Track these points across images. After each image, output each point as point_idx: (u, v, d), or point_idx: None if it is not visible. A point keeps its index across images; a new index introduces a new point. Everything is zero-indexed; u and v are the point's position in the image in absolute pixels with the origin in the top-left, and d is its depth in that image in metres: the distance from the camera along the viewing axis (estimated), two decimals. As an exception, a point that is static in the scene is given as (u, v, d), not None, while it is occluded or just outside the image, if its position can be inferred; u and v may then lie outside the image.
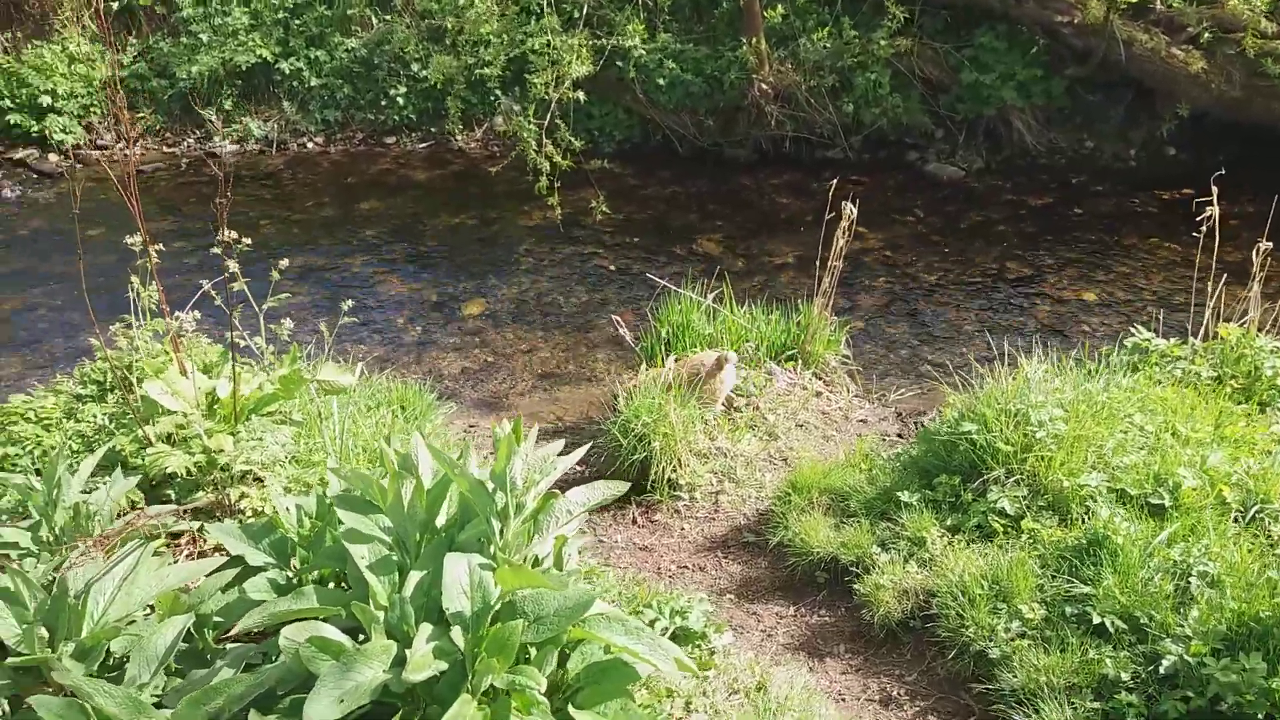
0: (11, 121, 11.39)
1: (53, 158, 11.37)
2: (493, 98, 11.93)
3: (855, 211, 6.27)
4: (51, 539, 3.35)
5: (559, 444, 3.06)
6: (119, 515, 3.82)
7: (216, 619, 3.23)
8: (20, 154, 11.30)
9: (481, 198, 10.49)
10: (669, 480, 5.41)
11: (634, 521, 5.33)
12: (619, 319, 6.75)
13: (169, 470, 3.81)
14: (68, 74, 11.61)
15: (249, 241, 4.71)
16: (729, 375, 6.06)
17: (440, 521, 2.94)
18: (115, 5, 11.96)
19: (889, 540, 4.35)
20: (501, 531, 2.77)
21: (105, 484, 3.79)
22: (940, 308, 8.36)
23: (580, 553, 4.18)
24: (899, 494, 4.50)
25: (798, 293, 7.93)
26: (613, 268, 9.23)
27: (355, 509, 2.99)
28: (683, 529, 5.22)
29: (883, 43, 10.71)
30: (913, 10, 10.95)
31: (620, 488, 2.90)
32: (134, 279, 4.84)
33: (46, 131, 11.33)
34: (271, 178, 11.29)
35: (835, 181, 6.35)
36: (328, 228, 10.12)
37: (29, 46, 11.75)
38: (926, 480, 4.60)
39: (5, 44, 11.84)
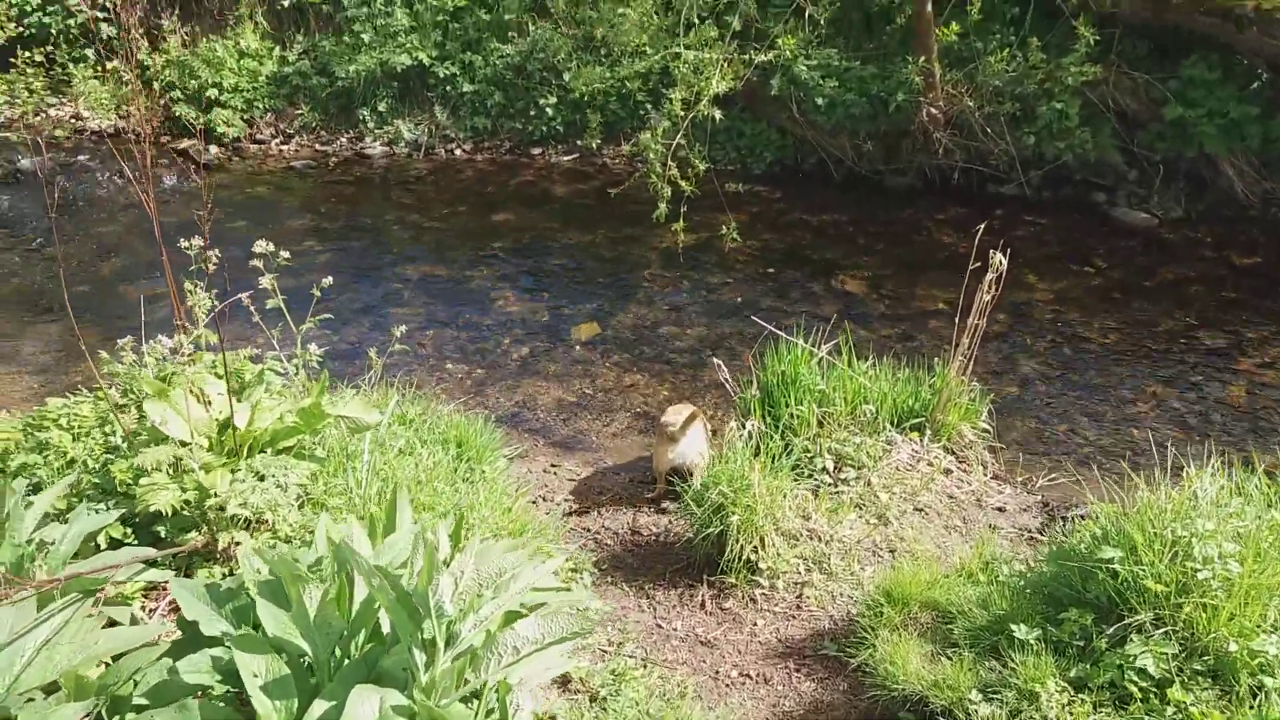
0: (179, 113, 11.78)
1: (214, 149, 11.68)
2: (642, 112, 11.42)
3: (1005, 263, 5.31)
4: (-10, 581, 2.97)
5: (524, 553, 2.40)
6: (94, 553, 3.45)
7: (140, 701, 2.76)
8: (185, 144, 11.67)
9: (616, 216, 9.97)
10: (748, 562, 4.65)
11: (702, 605, 4.60)
12: (721, 363, 6.03)
13: (154, 507, 3.39)
14: (236, 68, 11.92)
15: (288, 255, 4.30)
16: (691, 440, 5.27)
17: (368, 636, 2.34)
18: (287, 3, 12.20)
19: (994, 687, 3.45)
20: (426, 666, 2.13)
21: (83, 516, 3.42)
22: (1112, 377, 7.17)
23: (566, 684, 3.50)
24: (1014, 627, 3.58)
25: (943, 346, 6.96)
26: (740, 300, 8.49)
27: (280, 603, 2.43)
28: (755, 624, 4.45)
29: (1073, 69, 9.49)
30: (1111, 34, 9.68)
31: (585, 628, 2.21)
32: (188, 285, 4.49)
33: (211, 123, 11.65)
34: (415, 182, 11.19)
35: (984, 226, 5.40)
36: (459, 237, 9.85)
37: (204, 40, 12.15)
38: (1052, 611, 3.66)
39: (185, 37, 12.29)
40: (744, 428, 5.32)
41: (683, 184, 7.86)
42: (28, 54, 12.20)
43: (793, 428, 5.54)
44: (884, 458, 5.49)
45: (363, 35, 11.92)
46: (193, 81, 11.76)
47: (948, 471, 5.64)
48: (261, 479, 3.70)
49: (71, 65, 12.43)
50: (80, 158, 11.40)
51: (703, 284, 8.75)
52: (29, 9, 12.23)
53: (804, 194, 10.70)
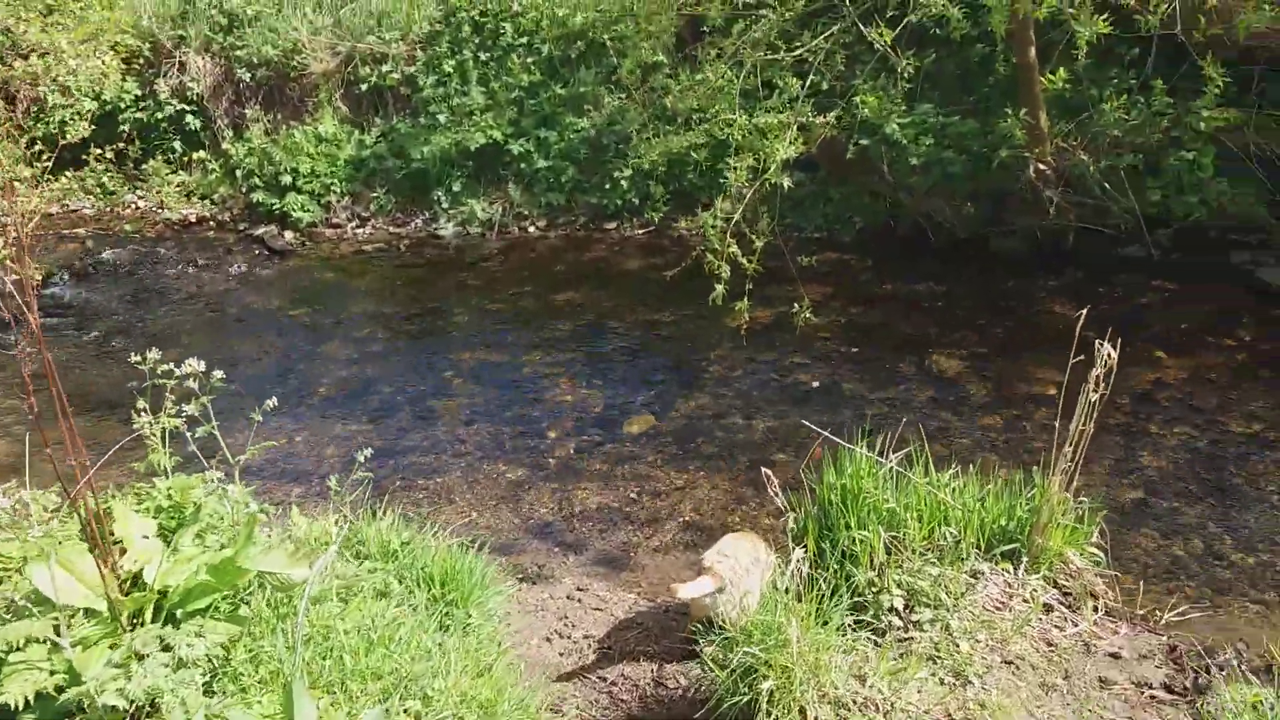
0: (256, 199, 11.77)
1: (288, 235, 11.58)
2: (722, 180, 10.71)
3: (1114, 356, 4.31)
4: None
5: None
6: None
7: None
8: (260, 230, 11.62)
9: (685, 293, 9.22)
10: (784, 740, 3.74)
11: (726, 794, 3.71)
12: (771, 475, 5.14)
13: (3, 700, 2.78)
14: (314, 154, 11.87)
15: (221, 375, 3.71)
16: (740, 579, 4.26)
17: None
18: (364, 86, 12.14)
19: None
20: None
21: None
22: (1260, 479, 5.93)
23: None
24: None
25: (1053, 441, 5.91)
26: (816, 384, 7.59)
27: None
28: (787, 825, 3.52)
29: (1205, 113, 8.30)
30: (1249, 73, 8.46)
31: None
32: (139, 404, 3.96)
33: (287, 209, 11.58)
34: (485, 262, 10.77)
35: (1084, 313, 4.41)
36: (520, 320, 9.30)
37: (284, 129, 12.18)
38: None
39: (268, 125, 12.36)
40: (789, 562, 4.43)
41: (745, 262, 7.08)
42: (98, 151, 12.48)
43: (854, 556, 4.60)
44: (967, 594, 4.48)
45: (438, 116, 11.70)
46: (269, 168, 11.74)
47: (1047, 609, 4.58)
48: (166, 648, 3.07)
49: (156, 158, 12.63)
50: (160, 249, 11.47)
51: (775, 367, 7.90)
52: (122, 105, 12.54)
53: (897, 262, 9.74)
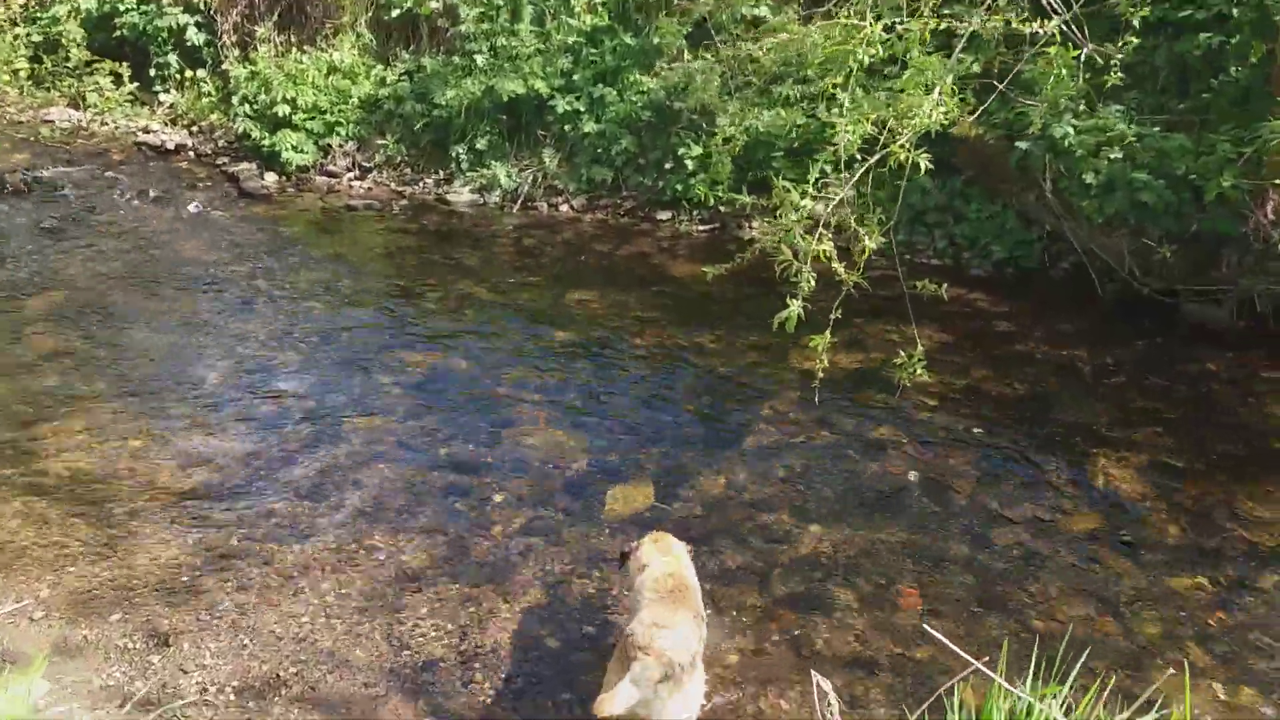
0: (244, 131, 9.56)
1: (269, 177, 9.30)
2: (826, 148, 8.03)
3: None
4: None
5: None
6: None
7: None
8: (240, 167, 9.37)
9: (747, 314, 6.62)
10: None
11: None
12: (822, 681, 2.51)
13: None
14: (322, 85, 9.59)
15: None
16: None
17: None
18: (396, 13, 9.83)
19: None
20: None
21: None
22: None
23: None
24: None
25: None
26: (912, 477, 4.89)
27: None
28: None
29: None
30: None
31: None
32: None
33: (275, 147, 9.31)
34: (494, 240, 8.29)
35: None
36: (513, 320, 6.79)
37: (293, 51, 9.96)
38: None
39: (279, 47, 10.15)
40: None
41: (839, 270, 4.42)
42: (103, 64, 10.50)
43: None
44: None
45: (476, 56, 9.29)
46: (265, 96, 9.51)
47: None
48: None
49: (154, 73, 10.60)
50: (117, 174, 9.29)
51: (855, 441, 5.20)
52: (121, 8, 10.49)
53: (1047, 314, 6.92)
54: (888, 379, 4.95)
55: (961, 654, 2.23)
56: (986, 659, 2.26)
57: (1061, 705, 2.16)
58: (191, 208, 8.60)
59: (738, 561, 4.27)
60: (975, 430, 5.36)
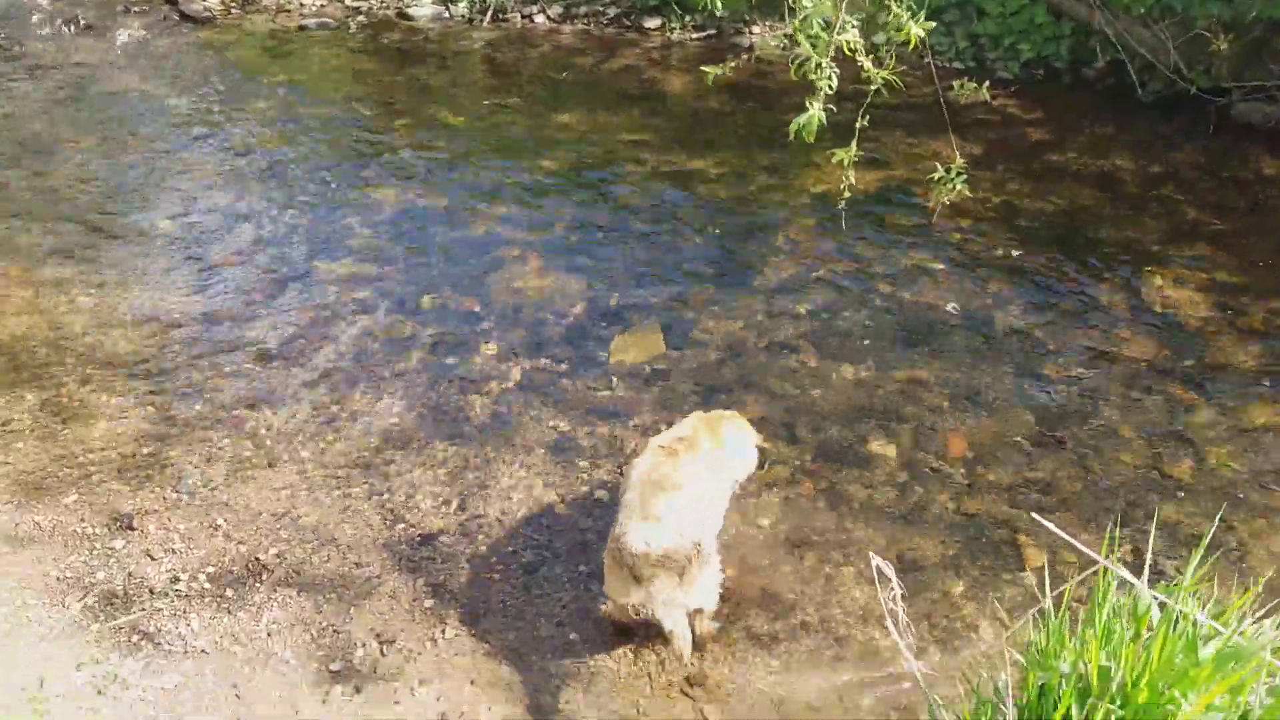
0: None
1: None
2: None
3: None
4: None
5: None
6: None
7: None
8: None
9: (753, 129, 5.95)
10: None
11: None
12: (885, 566, 2.04)
13: None
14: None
15: None
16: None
17: None
18: None
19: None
20: None
21: None
22: None
23: None
24: None
25: None
26: (951, 308, 4.39)
27: None
28: None
29: None
30: None
31: None
32: None
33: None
34: (462, 59, 7.46)
35: None
36: (490, 147, 6.11)
37: None
38: None
39: None
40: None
41: (868, 67, 3.73)
42: None
43: None
44: None
45: None
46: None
47: None
48: None
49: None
50: (41, 0, 8.28)
51: (886, 268, 4.68)
52: None
53: (1084, 119, 6.27)
54: (914, 199, 4.38)
55: (1083, 549, 1.78)
56: (1110, 556, 1.81)
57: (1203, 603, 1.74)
58: (124, 36, 7.66)
59: (761, 412, 3.83)
60: (1015, 253, 4.83)
